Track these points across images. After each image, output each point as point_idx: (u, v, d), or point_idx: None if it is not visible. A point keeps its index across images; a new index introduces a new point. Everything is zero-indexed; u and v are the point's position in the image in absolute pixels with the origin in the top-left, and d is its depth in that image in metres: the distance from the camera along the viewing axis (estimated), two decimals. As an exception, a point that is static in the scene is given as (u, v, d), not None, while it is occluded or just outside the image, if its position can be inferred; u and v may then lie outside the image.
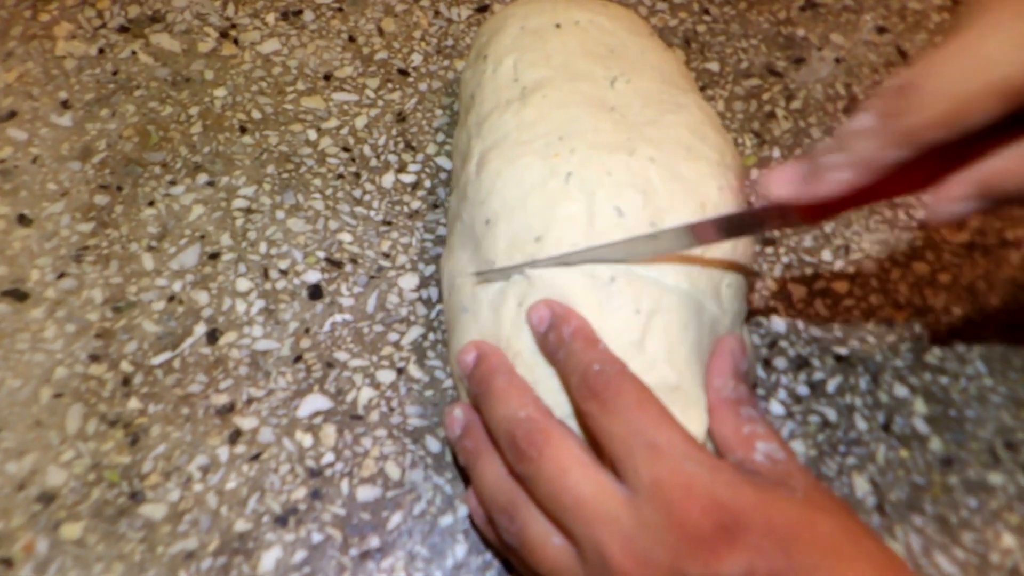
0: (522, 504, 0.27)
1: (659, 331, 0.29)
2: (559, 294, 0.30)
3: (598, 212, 0.31)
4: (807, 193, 0.27)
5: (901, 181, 0.27)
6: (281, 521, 0.33)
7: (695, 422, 0.28)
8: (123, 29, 0.48)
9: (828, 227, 0.42)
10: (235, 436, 0.35)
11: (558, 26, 0.38)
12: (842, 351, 0.38)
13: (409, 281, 0.39)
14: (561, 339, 0.28)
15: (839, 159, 0.26)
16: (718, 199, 0.32)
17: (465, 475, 0.33)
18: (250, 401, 0.35)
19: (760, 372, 0.37)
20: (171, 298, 0.38)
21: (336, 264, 0.39)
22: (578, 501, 0.25)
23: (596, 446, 0.27)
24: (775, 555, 0.23)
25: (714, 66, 0.48)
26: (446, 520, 0.33)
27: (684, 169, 0.32)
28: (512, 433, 0.27)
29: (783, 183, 0.27)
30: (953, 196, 0.27)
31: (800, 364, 0.38)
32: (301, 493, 0.33)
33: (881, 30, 0.50)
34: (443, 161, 0.43)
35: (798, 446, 0.35)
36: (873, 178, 0.26)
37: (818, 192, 0.26)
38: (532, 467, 0.26)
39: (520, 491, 0.27)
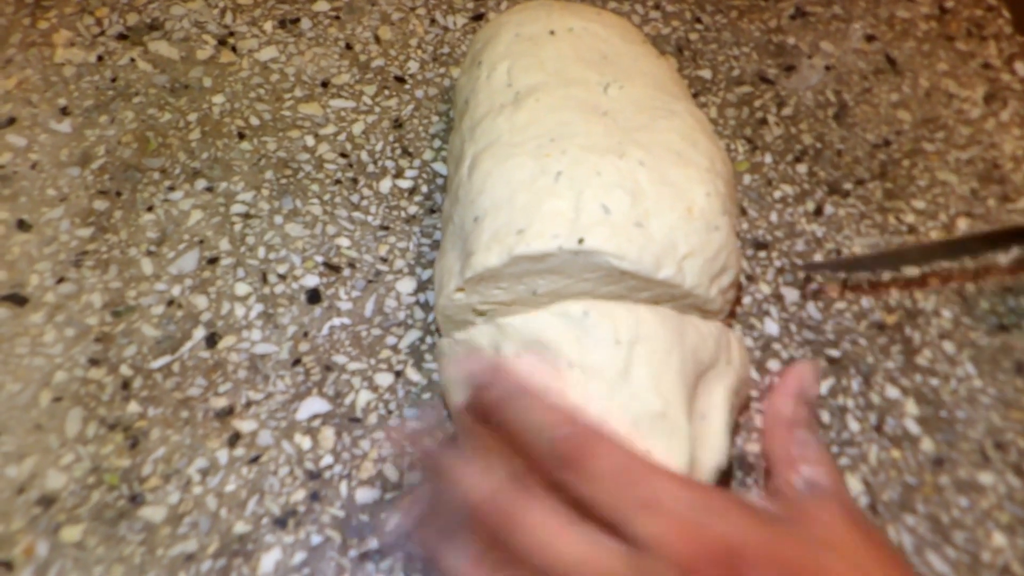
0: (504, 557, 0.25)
1: (642, 359, 0.29)
2: (533, 338, 0.30)
3: (585, 208, 0.31)
4: None
5: None
6: (280, 523, 0.33)
7: (677, 452, 0.28)
8: (122, 36, 0.48)
9: (820, 232, 0.42)
10: (234, 439, 0.35)
11: (552, 33, 0.38)
12: (834, 353, 0.38)
13: (407, 285, 0.39)
14: (508, 400, 0.26)
15: None
16: (705, 204, 0.33)
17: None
18: (249, 404, 0.36)
19: (754, 374, 0.38)
20: (170, 302, 0.38)
21: (334, 268, 0.40)
22: (572, 565, 0.23)
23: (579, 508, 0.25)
24: None
25: (706, 73, 0.48)
26: (444, 521, 0.33)
27: (673, 174, 0.33)
28: (480, 509, 0.25)
29: None
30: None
31: (793, 366, 0.38)
32: (300, 495, 0.34)
33: (870, 38, 0.50)
34: (439, 167, 0.44)
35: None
36: None
37: None
38: (509, 536, 0.24)
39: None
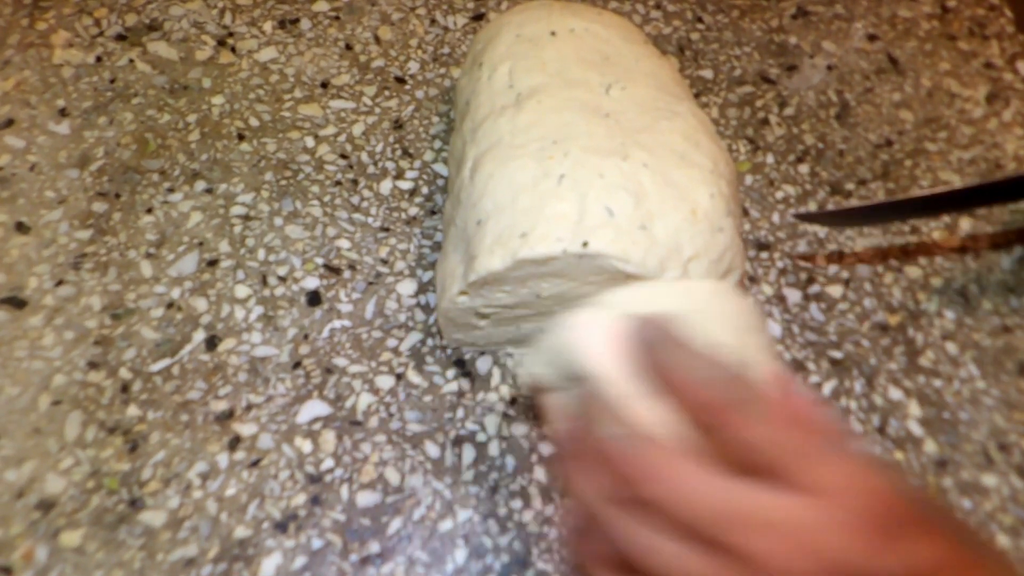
0: (640, 516, 0.24)
1: None
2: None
3: (588, 211, 0.31)
4: None
5: None
6: (281, 527, 0.33)
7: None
8: (120, 37, 0.48)
9: (822, 232, 0.42)
10: (234, 442, 0.35)
11: (553, 34, 0.38)
12: (837, 355, 0.38)
13: (407, 287, 0.39)
14: (669, 353, 0.25)
15: None
16: (709, 206, 0.32)
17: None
18: (249, 407, 0.35)
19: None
20: (170, 305, 0.38)
21: (334, 270, 0.40)
22: (727, 504, 0.22)
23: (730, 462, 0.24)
24: (960, 549, 0.22)
25: (708, 73, 0.48)
26: (446, 525, 0.33)
27: (677, 175, 0.33)
28: (616, 459, 0.24)
29: None
30: None
31: (796, 368, 0.38)
32: (301, 499, 0.33)
33: (872, 38, 0.50)
34: (440, 168, 0.44)
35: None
36: None
37: None
38: (653, 488, 0.23)
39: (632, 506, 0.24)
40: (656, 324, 0.26)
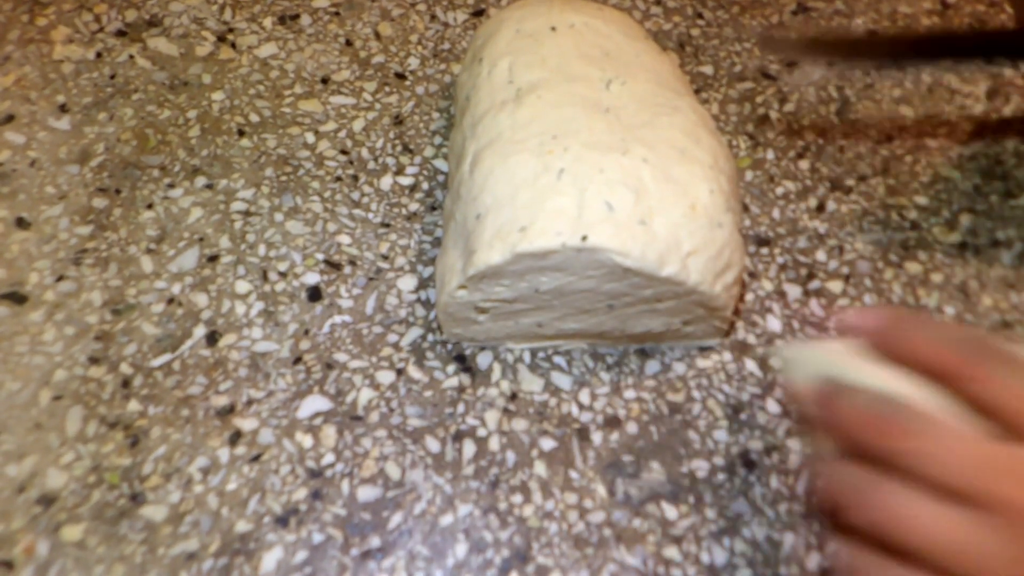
0: (885, 481, 0.23)
1: None
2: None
3: (588, 205, 0.31)
4: None
5: None
6: (282, 522, 0.33)
7: None
8: (120, 33, 0.48)
9: (822, 228, 0.42)
10: (235, 437, 0.35)
11: (553, 29, 0.38)
12: (837, 350, 0.38)
13: (408, 283, 0.39)
14: (902, 332, 0.25)
15: None
16: (708, 202, 0.32)
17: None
18: (250, 402, 0.36)
19: (757, 371, 0.38)
20: (170, 300, 0.38)
21: (335, 266, 0.40)
22: (986, 459, 0.22)
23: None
24: None
25: (708, 69, 0.48)
26: (446, 519, 0.33)
27: (677, 171, 0.33)
28: (866, 420, 0.24)
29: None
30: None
31: (796, 363, 0.38)
32: (302, 494, 0.33)
33: (872, 33, 0.50)
34: (440, 164, 0.44)
35: (796, 445, 0.36)
36: None
37: None
38: (910, 443, 0.23)
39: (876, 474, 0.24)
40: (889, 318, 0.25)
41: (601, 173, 0.32)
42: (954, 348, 0.24)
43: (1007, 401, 0.22)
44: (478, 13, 0.50)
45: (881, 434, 0.23)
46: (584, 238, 0.30)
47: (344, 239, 0.41)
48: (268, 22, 0.49)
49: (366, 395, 0.36)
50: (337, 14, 0.49)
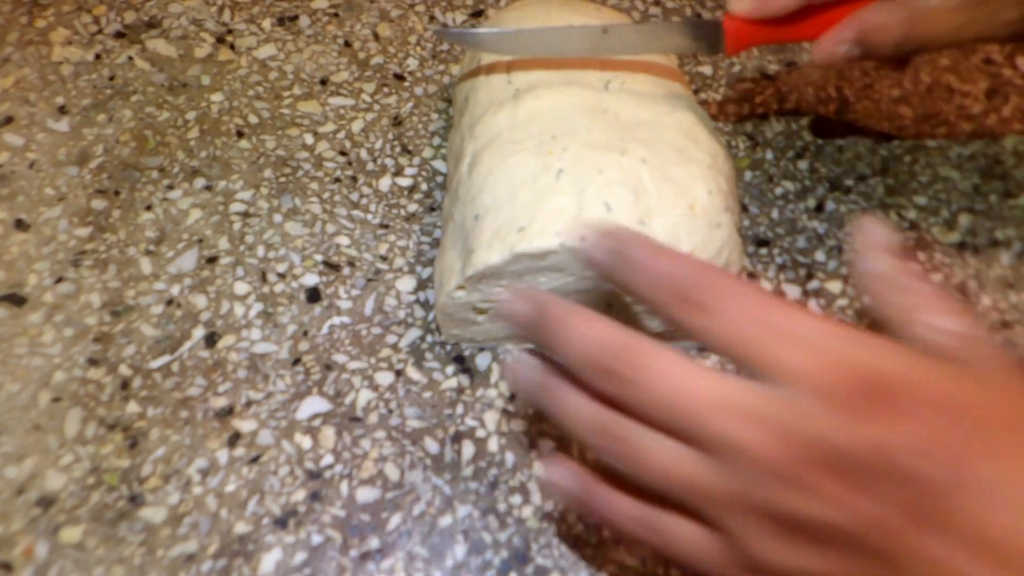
0: (621, 421, 0.24)
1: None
2: None
3: (587, 206, 0.31)
4: (760, 9, 0.33)
5: (824, 21, 0.34)
6: (281, 523, 0.33)
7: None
8: (119, 35, 0.48)
9: (821, 228, 0.42)
10: (234, 439, 0.35)
11: None
12: None
13: (407, 284, 0.39)
14: (634, 261, 0.24)
15: None
16: (707, 202, 0.32)
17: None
18: (249, 404, 0.36)
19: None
20: (169, 302, 0.38)
21: (334, 267, 0.40)
22: (700, 399, 0.22)
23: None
24: (945, 425, 0.20)
25: (707, 69, 0.48)
26: (445, 521, 0.33)
27: (675, 171, 0.33)
28: (595, 357, 0.24)
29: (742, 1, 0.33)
30: (839, 38, 0.33)
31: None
32: (301, 495, 0.33)
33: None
34: (439, 165, 0.44)
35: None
36: None
37: (768, 8, 0.33)
38: (629, 386, 0.23)
39: (612, 411, 0.24)
40: (616, 233, 0.25)
41: (600, 173, 0.32)
42: (668, 289, 0.24)
43: (724, 339, 0.23)
44: (477, 14, 0.50)
45: (609, 377, 0.24)
46: (583, 238, 0.30)
47: (343, 240, 0.41)
48: (267, 23, 0.49)
49: (365, 396, 0.36)
50: (336, 15, 0.49)
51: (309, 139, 0.44)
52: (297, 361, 0.37)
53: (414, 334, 0.38)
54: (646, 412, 0.23)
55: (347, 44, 0.48)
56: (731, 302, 0.23)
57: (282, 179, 0.42)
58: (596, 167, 0.32)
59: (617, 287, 0.26)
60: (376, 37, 0.49)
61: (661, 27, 0.37)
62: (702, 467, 0.23)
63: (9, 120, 0.44)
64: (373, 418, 0.35)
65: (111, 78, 0.46)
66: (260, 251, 0.40)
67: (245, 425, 0.35)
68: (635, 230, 0.26)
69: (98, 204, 0.41)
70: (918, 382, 0.21)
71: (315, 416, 0.35)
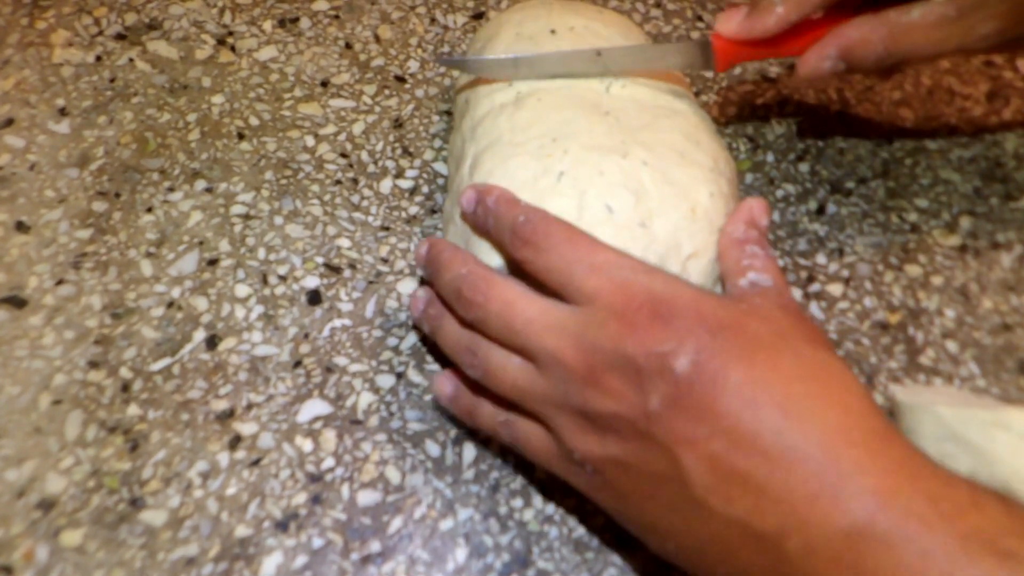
0: (480, 341, 0.30)
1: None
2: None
3: (588, 208, 0.31)
4: (747, 31, 0.34)
5: (809, 37, 0.35)
6: (282, 526, 0.33)
7: None
8: (120, 36, 0.48)
9: (822, 231, 0.42)
10: (235, 442, 0.35)
11: (553, 32, 0.38)
12: (837, 353, 0.38)
13: (408, 286, 0.39)
14: (487, 208, 0.31)
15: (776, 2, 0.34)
16: (709, 204, 0.32)
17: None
18: (250, 406, 0.35)
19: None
20: (170, 304, 0.38)
21: (335, 269, 0.40)
22: (528, 320, 0.28)
23: (536, 287, 0.30)
24: (702, 336, 0.26)
25: (707, 72, 0.48)
26: (447, 524, 0.33)
27: (677, 174, 0.33)
28: (458, 288, 0.30)
29: (730, 20, 0.35)
30: (823, 54, 0.34)
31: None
32: (302, 498, 0.33)
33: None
34: (440, 167, 0.44)
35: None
36: (800, 15, 0.34)
37: (754, 30, 0.34)
38: (480, 310, 0.30)
39: (476, 334, 0.31)
40: (479, 185, 0.33)
41: (601, 176, 0.32)
42: (507, 231, 0.30)
43: (546, 272, 0.29)
44: (478, 16, 0.50)
45: (466, 304, 0.30)
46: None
47: (344, 242, 0.40)
48: (268, 25, 0.49)
49: (366, 399, 0.36)
50: (337, 17, 0.49)
51: (310, 141, 0.44)
52: (298, 364, 0.37)
53: (415, 336, 0.38)
54: (495, 333, 0.29)
55: (348, 46, 0.48)
56: (550, 240, 0.29)
57: (283, 181, 0.42)
58: (597, 169, 0.32)
59: (478, 229, 0.33)
60: (377, 39, 0.49)
61: (652, 49, 0.37)
62: (533, 376, 0.29)
63: (10, 122, 0.44)
64: (374, 421, 0.35)
65: (112, 80, 0.46)
66: (261, 253, 0.40)
67: (246, 428, 0.35)
68: (494, 184, 0.32)
69: (99, 206, 0.41)
70: (691, 306, 0.27)
71: (316, 419, 0.35)
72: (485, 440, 0.35)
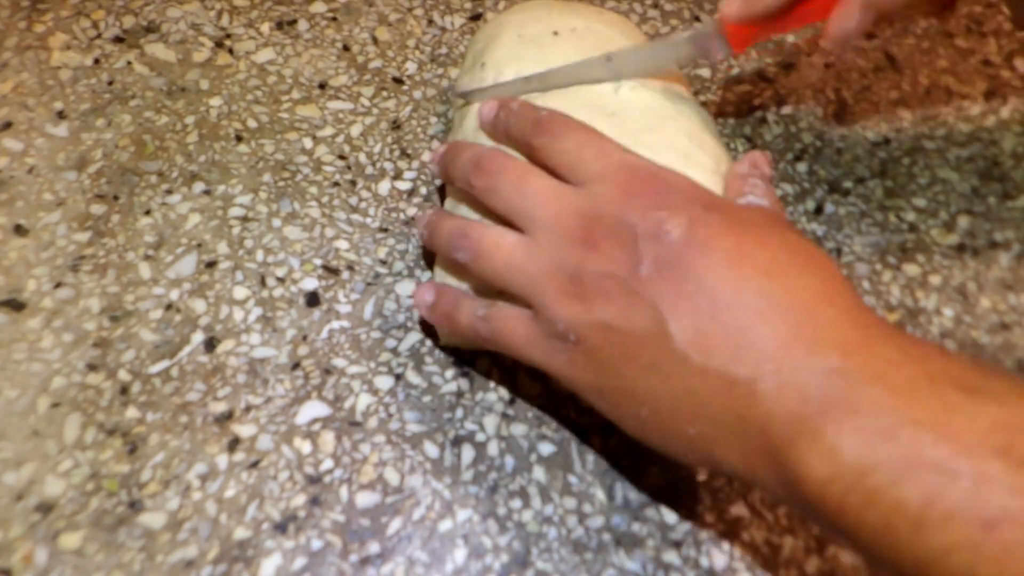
0: (474, 223, 0.32)
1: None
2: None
3: None
4: (748, 10, 0.35)
5: (818, 6, 0.35)
6: (281, 528, 0.33)
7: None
8: (118, 39, 0.48)
9: (820, 230, 0.42)
10: (234, 444, 0.35)
11: (556, 34, 0.38)
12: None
13: (406, 287, 0.39)
14: (509, 111, 0.34)
15: None
16: None
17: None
18: (248, 409, 0.35)
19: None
20: (168, 307, 0.38)
21: (333, 271, 0.40)
22: (537, 191, 0.30)
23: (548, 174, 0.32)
24: (697, 208, 0.28)
25: (705, 72, 0.48)
26: (446, 525, 0.33)
27: None
28: (478, 158, 0.32)
29: (732, 4, 0.35)
30: (845, 13, 0.34)
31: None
32: (300, 500, 0.33)
33: (869, 36, 0.50)
34: (438, 168, 0.44)
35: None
36: None
37: (755, 8, 0.34)
38: (495, 179, 0.31)
39: (470, 220, 0.33)
40: (501, 98, 0.35)
41: None
42: (527, 124, 0.33)
43: (558, 158, 0.31)
44: (475, 17, 0.50)
45: (479, 172, 0.32)
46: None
47: (342, 244, 0.41)
48: (265, 28, 0.49)
49: (364, 400, 0.36)
50: (334, 19, 0.49)
51: (308, 143, 0.44)
52: (296, 365, 0.37)
53: (413, 338, 0.38)
54: (502, 201, 0.31)
55: (345, 48, 0.48)
56: (565, 129, 0.32)
57: (281, 183, 0.42)
58: None
59: (496, 138, 0.35)
60: (375, 41, 0.49)
61: (663, 44, 0.37)
62: (527, 248, 0.30)
63: (8, 125, 0.44)
64: (373, 422, 0.35)
65: (110, 83, 0.46)
66: (259, 255, 0.40)
67: (244, 430, 0.35)
68: (513, 98, 0.35)
69: (97, 209, 0.41)
70: (689, 186, 0.29)
71: (314, 420, 0.35)
72: (484, 441, 0.35)
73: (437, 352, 0.37)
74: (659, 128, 0.34)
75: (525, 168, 0.32)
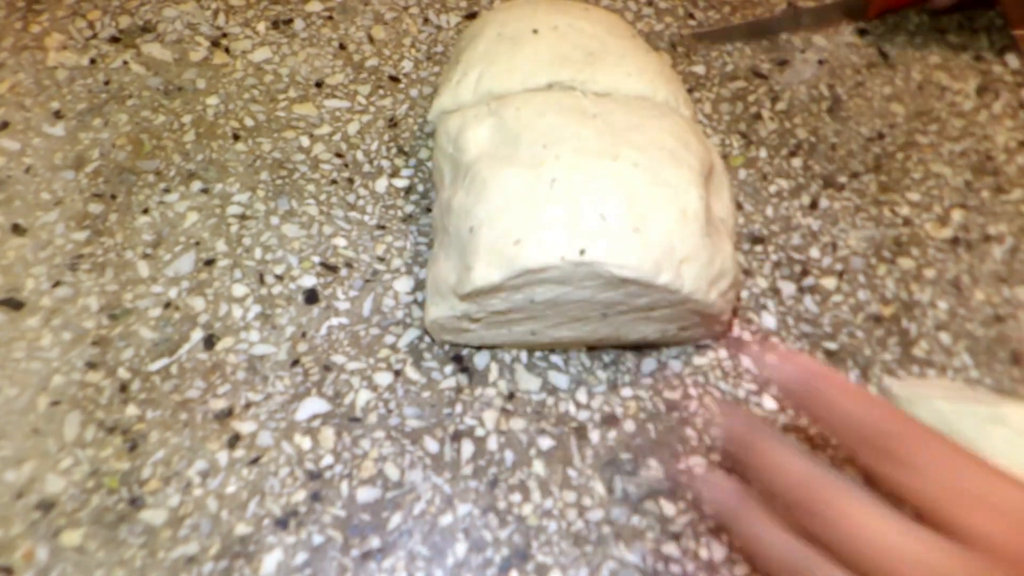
0: (818, 562, 0.24)
1: None
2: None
3: (582, 216, 0.31)
4: None
5: None
6: (282, 524, 0.33)
7: None
8: (114, 39, 0.48)
9: (815, 225, 0.42)
10: (234, 440, 0.35)
11: (535, 31, 0.38)
12: (832, 346, 0.39)
13: (404, 284, 0.39)
14: (828, 402, 0.25)
15: None
16: (699, 207, 0.32)
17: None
18: (248, 405, 0.36)
19: (753, 367, 0.38)
20: (167, 305, 0.38)
21: (331, 268, 0.40)
22: (891, 551, 0.23)
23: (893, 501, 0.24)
24: None
25: (700, 69, 0.49)
26: (446, 519, 0.33)
27: (667, 174, 0.33)
28: (795, 492, 0.25)
29: None
30: None
31: (791, 359, 0.38)
32: (301, 495, 0.33)
33: (862, 32, 0.51)
34: (435, 165, 0.44)
35: (792, 441, 0.36)
36: None
37: None
38: (823, 524, 0.24)
39: (811, 550, 0.25)
40: (805, 360, 0.26)
41: (593, 181, 0.32)
42: (864, 432, 0.24)
43: (925, 492, 0.23)
44: (470, 16, 0.50)
45: (807, 514, 0.24)
46: (582, 252, 0.30)
47: (340, 241, 0.41)
48: (261, 27, 0.49)
49: (364, 396, 0.36)
50: (330, 18, 0.50)
51: (305, 141, 0.44)
52: (296, 362, 0.37)
53: (412, 334, 0.38)
54: (837, 552, 0.24)
55: (342, 47, 0.48)
56: (924, 458, 0.23)
57: (278, 181, 0.43)
58: (589, 174, 0.32)
59: (809, 417, 0.26)
60: (371, 39, 0.49)
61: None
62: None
63: (5, 125, 0.44)
64: (372, 418, 0.36)
65: (106, 82, 0.46)
66: (257, 253, 0.40)
67: (245, 426, 0.35)
68: (816, 361, 0.28)
69: (95, 208, 0.41)
70: None
71: (314, 417, 0.35)
72: (483, 436, 0.35)
73: (436, 348, 0.38)
74: (644, 127, 0.34)
75: (868, 510, 0.23)
